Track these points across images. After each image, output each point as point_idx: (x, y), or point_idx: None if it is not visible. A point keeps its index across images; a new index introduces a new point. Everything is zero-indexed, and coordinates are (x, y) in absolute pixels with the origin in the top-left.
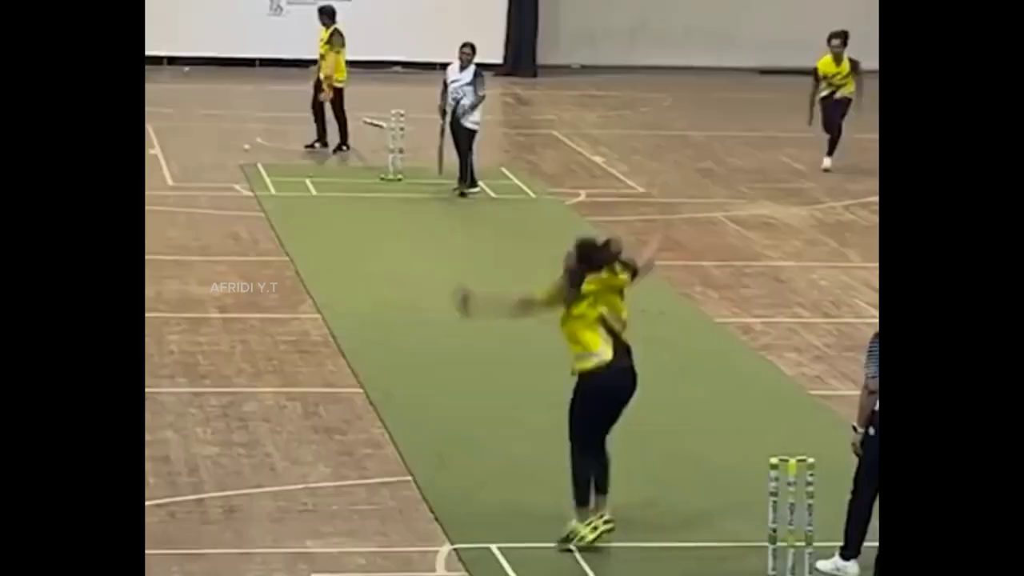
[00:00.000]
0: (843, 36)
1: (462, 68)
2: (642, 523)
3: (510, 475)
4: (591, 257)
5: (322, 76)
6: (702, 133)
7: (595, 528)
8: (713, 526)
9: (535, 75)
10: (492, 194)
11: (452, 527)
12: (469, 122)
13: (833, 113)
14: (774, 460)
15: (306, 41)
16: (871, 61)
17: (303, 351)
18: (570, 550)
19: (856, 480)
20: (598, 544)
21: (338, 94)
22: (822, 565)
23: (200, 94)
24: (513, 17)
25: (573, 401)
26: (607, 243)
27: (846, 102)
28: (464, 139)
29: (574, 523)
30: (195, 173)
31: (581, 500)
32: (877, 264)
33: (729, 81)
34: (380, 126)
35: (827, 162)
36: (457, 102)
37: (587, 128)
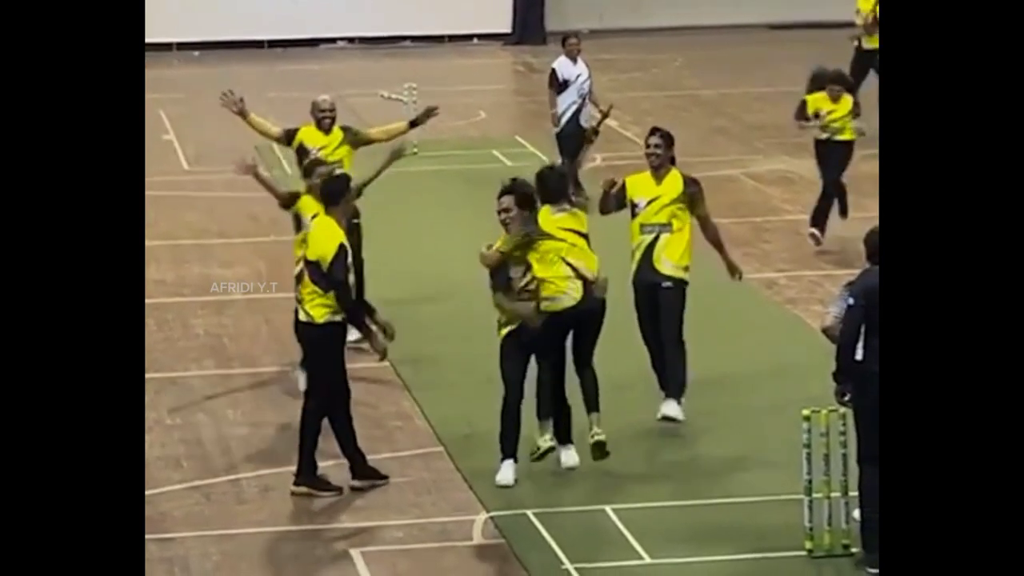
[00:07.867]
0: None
1: (574, 61)
2: (675, 480)
3: None
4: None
5: None
6: (715, 91)
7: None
8: (747, 481)
9: (544, 42)
10: (508, 163)
11: (487, 495)
12: (586, 119)
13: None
14: (806, 412)
15: (313, 20)
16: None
17: None
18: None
19: (857, 429)
20: (632, 504)
21: None
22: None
23: (210, 78)
24: None
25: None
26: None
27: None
28: (579, 139)
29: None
30: (210, 157)
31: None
32: None
33: (739, 38)
34: (402, 101)
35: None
36: (583, 98)
37: (599, 92)
